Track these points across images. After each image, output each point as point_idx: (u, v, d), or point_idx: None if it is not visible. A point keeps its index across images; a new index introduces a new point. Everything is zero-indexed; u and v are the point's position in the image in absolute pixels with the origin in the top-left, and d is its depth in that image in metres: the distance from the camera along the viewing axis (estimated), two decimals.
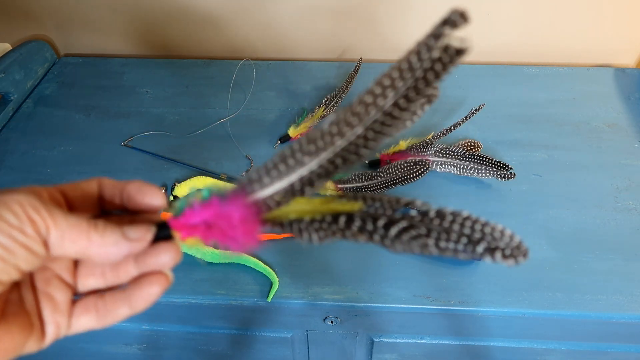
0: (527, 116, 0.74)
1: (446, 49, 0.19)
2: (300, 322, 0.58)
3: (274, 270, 0.54)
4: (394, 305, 0.52)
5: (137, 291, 0.26)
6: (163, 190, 0.63)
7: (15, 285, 0.24)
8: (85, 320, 0.26)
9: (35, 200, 0.22)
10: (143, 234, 0.25)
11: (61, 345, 0.66)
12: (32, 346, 0.24)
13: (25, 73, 0.79)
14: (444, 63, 0.20)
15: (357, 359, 0.65)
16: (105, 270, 0.27)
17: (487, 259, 0.23)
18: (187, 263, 0.56)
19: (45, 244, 0.23)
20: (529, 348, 0.59)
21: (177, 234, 0.26)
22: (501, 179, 0.62)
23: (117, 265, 0.27)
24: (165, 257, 0.26)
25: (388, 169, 0.60)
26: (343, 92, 0.73)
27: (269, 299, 0.52)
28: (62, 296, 0.25)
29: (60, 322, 0.25)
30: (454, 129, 0.62)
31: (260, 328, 0.60)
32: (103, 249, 0.24)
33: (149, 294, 0.27)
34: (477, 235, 0.23)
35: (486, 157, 0.62)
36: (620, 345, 0.58)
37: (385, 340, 0.60)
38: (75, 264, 0.27)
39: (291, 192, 0.25)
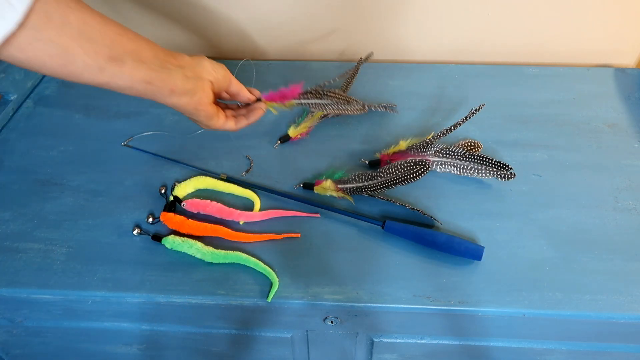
0: (527, 116, 0.74)
1: None
2: (300, 322, 0.58)
3: (274, 270, 0.54)
4: (394, 305, 0.52)
5: (252, 113, 0.60)
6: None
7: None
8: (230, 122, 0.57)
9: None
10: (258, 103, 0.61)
11: (61, 345, 0.66)
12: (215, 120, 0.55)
13: (25, 73, 0.79)
14: None
15: (357, 359, 0.65)
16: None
17: None
18: (187, 263, 0.56)
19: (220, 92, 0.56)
20: (529, 348, 0.59)
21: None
22: (501, 179, 0.62)
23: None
24: (260, 108, 0.60)
25: (388, 169, 0.60)
26: (343, 92, 0.73)
27: (269, 299, 0.52)
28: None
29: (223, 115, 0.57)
30: (454, 129, 0.62)
31: (260, 328, 0.60)
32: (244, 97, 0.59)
33: (258, 114, 0.60)
34: None
35: (486, 157, 0.62)
36: (620, 345, 0.58)
37: (385, 340, 0.60)
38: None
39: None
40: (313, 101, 0.63)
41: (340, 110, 0.65)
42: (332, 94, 0.65)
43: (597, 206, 0.61)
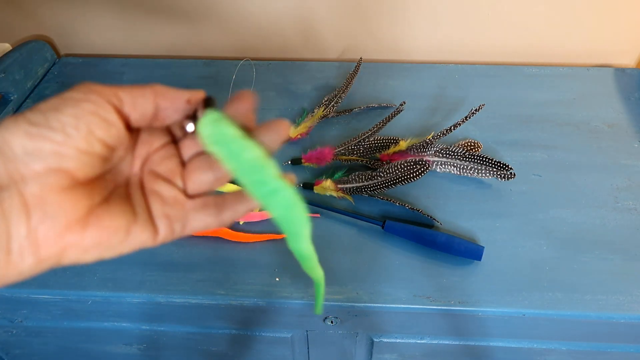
0: (527, 116, 0.74)
1: None
2: (300, 322, 0.58)
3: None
4: (394, 305, 0.52)
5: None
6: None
7: (123, 186, 0.26)
8: (203, 217, 0.27)
9: (94, 85, 0.25)
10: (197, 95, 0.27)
11: (61, 345, 0.66)
12: (144, 239, 0.25)
13: (25, 73, 0.79)
14: None
15: (357, 359, 0.65)
16: (213, 163, 0.27)
17: None
18: (187, 263, 0.56)
19: (118, 110, 0.24)
20: (529, 348, 0.59)
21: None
22: (501, 179, 0.62)
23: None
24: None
25: (388, 169, 0.60)
26: (343, 92, 0.73)
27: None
28: (170, 192, 0.27)
29: (172, 215, 0.26)
30: (454, 129, 0.62)
31: (260, 328, 0.60)
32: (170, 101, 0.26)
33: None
34: None
35: (486, 157, 0.62)
36: (620, 345, 0.58)
37: (385, 340, 0.60)
38: (183, 166, 0.28)
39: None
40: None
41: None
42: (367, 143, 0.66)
43: (597, 206, 0.61)
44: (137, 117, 0.25)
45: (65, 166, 0.23)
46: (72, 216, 0.23)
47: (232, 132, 0.25)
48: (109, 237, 0.24)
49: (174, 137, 0.29)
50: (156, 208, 0.26)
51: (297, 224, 0.26)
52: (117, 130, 0.24)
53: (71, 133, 0.23)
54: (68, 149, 0.22)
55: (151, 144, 0.28)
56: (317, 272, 0.30)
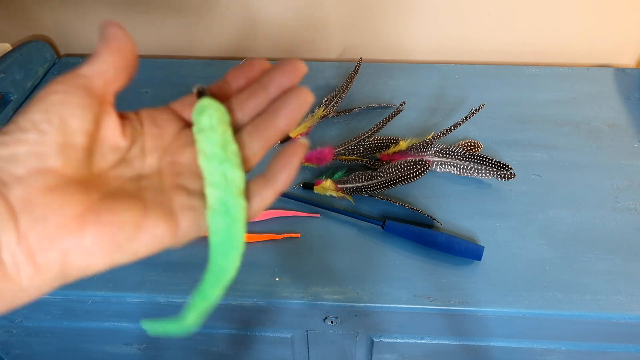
0: (527, 116, 0.74)
1: None
2: (300, 322, 0.58)
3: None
4: (394, 305, 0.52)
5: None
6: None
7: (135, 181, 0.24)
8: None
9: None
10: None
11: (61, 345, 0.66)
12: (159, 233, 0.23)
13: (25, 73, 0.79)
14: None
15: (357, 359, 0.65)
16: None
17: None
18: (187, 263, 0.56)
19: (88, 90, 0.23)
20: (529, 348, 0.59)
21: None
22: (501, 179, 0.62)
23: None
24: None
25: (388, 169, 0.60)
26: (343, 92, 0.73)
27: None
28: (196, 184, 0.25)
29: (199, 207, 0.25)
30: (454, 129, 0.62)
31: (260, 328, 0.60)
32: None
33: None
34: None
35: (486, 157, 0.62)
36: (620, 345, 0.58)
37: (385, 340, 0.60)
38: None
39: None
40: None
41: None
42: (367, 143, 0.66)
43: (597, 206, 0.61)
44: (109, 82, 0.24)
45: (49, 165, 0.21)
46: (64, 216, 0.21)
47: (217, 124, 0.26)
48: (112, 235, 0.22)
49: (187, 122, 0.27)
50: (180, 200, 0.24)
51: (231, 248, 0.25)
52: (93, 113, 0.23)
53: (44, 129, 0.21)
54: (46, 146, 0.21)
55: (162, 135, 0.26)
56: (215, 289, 0.27)
